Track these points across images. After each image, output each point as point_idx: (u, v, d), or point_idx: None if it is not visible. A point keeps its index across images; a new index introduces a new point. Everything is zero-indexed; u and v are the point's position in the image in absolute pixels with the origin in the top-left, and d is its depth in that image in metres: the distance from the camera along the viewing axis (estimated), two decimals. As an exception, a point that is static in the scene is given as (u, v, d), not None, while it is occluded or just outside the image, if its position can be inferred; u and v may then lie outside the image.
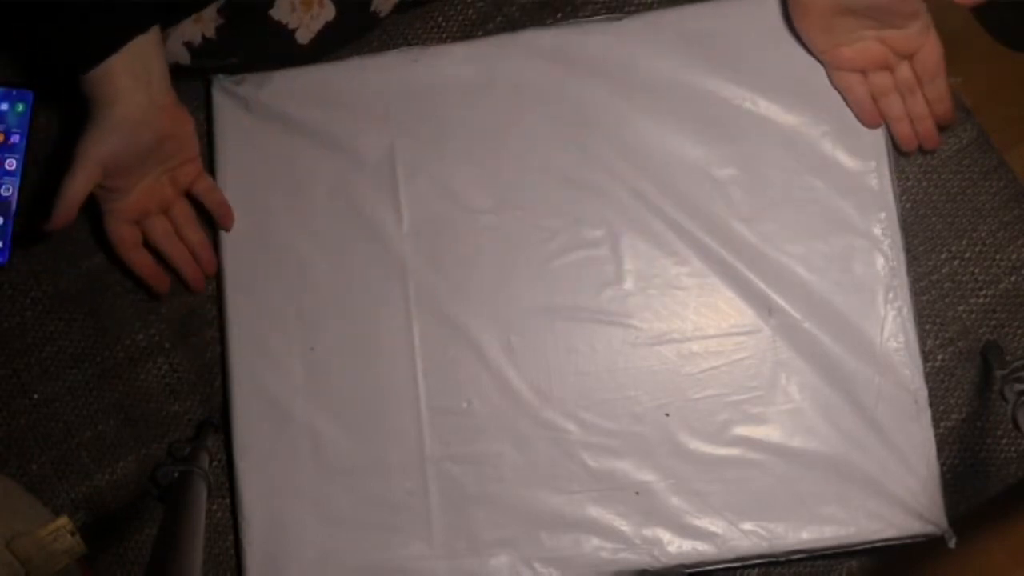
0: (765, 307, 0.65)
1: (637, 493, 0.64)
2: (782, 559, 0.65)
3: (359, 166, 0.68)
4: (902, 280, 0.65)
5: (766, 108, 0.67)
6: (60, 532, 0.56)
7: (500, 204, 0.67)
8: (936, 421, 0.66)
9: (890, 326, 0.65)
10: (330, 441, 0.65)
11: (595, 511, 0.64)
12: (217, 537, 0.67)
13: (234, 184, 0.68)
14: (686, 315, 0.66)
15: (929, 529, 0.63)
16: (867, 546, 0.64)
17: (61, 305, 0.69)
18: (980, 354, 0.68)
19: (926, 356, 0.67)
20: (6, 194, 0.68)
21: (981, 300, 0.69)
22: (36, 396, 0.68)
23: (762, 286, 0.65)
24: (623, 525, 0.64)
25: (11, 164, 0.69)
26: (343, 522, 0.65)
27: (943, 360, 0.68)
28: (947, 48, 0.65)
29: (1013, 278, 0.69)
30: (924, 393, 0.64)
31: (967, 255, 0.69)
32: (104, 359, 0.69)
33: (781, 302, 0.65)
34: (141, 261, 0.66)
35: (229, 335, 0.67)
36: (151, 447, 0.68)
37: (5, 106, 0.69)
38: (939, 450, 0.65)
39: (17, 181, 0.69)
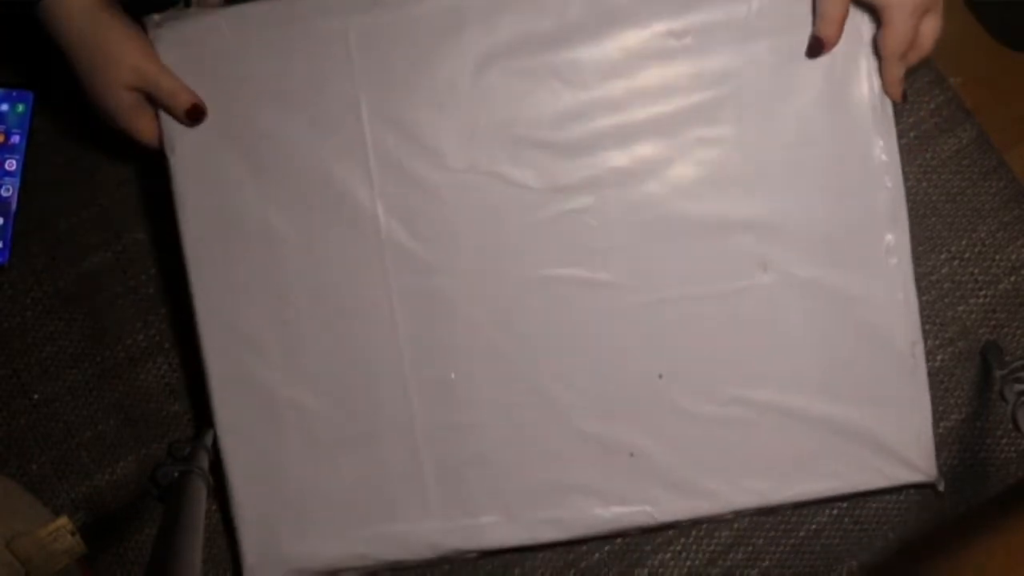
0: (760, 263, 0.64)
1: (631, 455, 0.64)
2: (775, 508, 0.66)
3: (323, 125, 0.64)
4: (902, 234, 0.64)
5: (755, 49, 0.64)
6: (60, 532, 0.56)
7: (476, 162, 0.64)
8: (936, 421, 0.66)
9: (887, 279, 0.64)
10: (314, 415, 0.64)
11: (589, 473, 0.64)
12: (217, 537, 0.67)
13: (183, 148, 0.63)
14: (679, 273, 0.64)
15: (919, 478, 0.64)
16: (859, 495, 0.65)
17: (61, 305, 0.69)
18: (980, 354, 0.68)
19: (926, 356, 0.67)
20: (6, 194, 0.68)
21: (981, 300, 0.69)
22: (36, 396, 0.68)
23: (757, 241, 0.64)
24: (618, 486, 0.64)
25: (11, 164, 0.69)
26: (335, 494, 0.64)
27: (943, 360, 0.68)
28: (947, 48, 0.65)
29: (1013, 278, 0.69)
30: (920, 346, 0.64)
31: (967, 255, 0.69)
32: (104, 359, 0.69)
33: (776, 257, 0.64)
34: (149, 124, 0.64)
35: (197, 314, 0.64)
36: (151, 447, 0.68)
37: (5, 106, 0.69)
38: (939, 449, 0.65)
39: (17, 181, 0.69)
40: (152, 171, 0.66)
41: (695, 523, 0.66)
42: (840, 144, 0.64)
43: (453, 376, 0.64)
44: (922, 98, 0.70)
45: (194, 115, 0.62)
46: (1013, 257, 0.69)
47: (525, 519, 0.64)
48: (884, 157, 0.63)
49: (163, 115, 0.63)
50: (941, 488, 0.65)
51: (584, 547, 0.68)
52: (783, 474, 0.64)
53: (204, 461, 0.59)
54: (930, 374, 0.66)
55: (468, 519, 0.64)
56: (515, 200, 0.64)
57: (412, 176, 0.64)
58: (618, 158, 0.64)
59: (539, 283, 0.64)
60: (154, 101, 0.62)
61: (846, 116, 0.63)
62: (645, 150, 0.64)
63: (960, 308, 0.69)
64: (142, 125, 0.63)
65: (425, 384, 0.64)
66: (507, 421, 0.64)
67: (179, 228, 0.64)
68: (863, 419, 0.64)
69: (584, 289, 0.64)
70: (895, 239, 0.64)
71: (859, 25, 0.63)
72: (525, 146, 0.64)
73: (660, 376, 0.64)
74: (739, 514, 0.66)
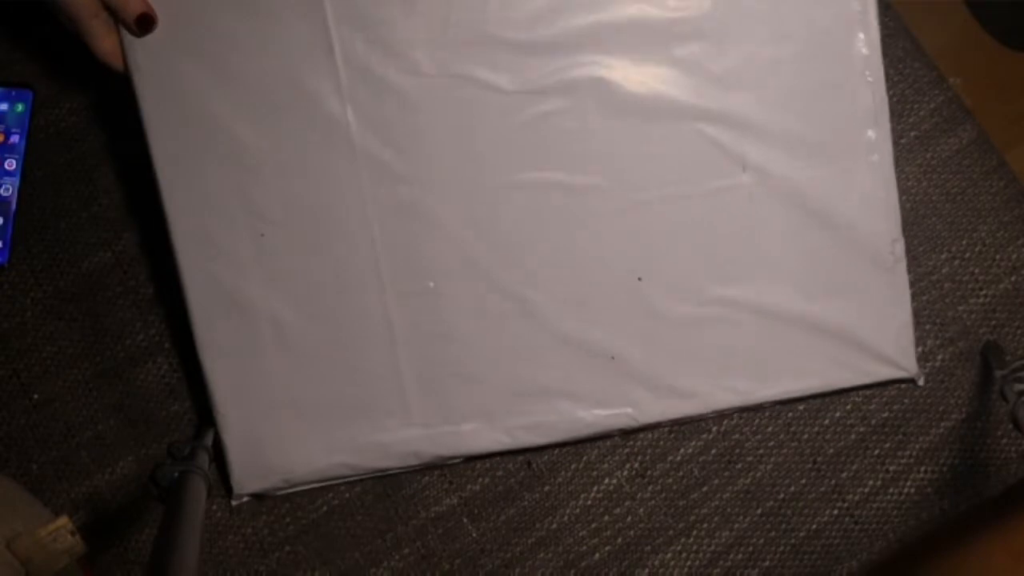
0: (740, 162, 0.63)
1: (612, 358, 0.64)
2: (755, 408, 0.67)
3: (288, 32, 0.62)
4: (883, 130, 0.64)
5: None
6: (60, 532, 0.56)
7: (448, 66, 0.63)
8: (936, 421, 0.66)
9: (868, 177, 0.64)
10: (294, 328, 0.64)
11: (570, 378, 0.64)
12: (217, 537, 0.67)
13: (146, 59, 0.61)
14: (657, 174, 0.64)
15: (899, 374, 0.65)
16: (840, 391, 0.66)
17: (61, 305, 0.69)
18: (980, 354, 0.68)
19: (926, 356, 0.67)
20: (6, 194, 0.68)
21: (981, 300, 0.69)
22: (36, 396, 0.68)
23: (736, 139, 0.63)
24: (600, 389, 0.64)
25: (11, 164, 0.69)
26: (317, 406, 0.64)
27: (943, 360, 0.68)
28: (947, 48, 0.65)
29: (1013, 278, 0.69)
30: (901, 244, 0.64)
31: (967, 255, 0.69)
32: (104, 359, 0.69)
33: (755, 155, 0.63)
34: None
35: (172, 231, 0.63)
36: (151, 447, 0.68)
37: (5, 106, 0.69)
38: (939, 449, 0.65)
39: (17, 181, 0.69)
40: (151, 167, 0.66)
41: (677, 424, 0.67)
42: (821, 38, 0.63)
43: (432, 285, 0.64)
44: (922, 98, 0.70)
45: (143, 24, 0.60)
46: (1013, 257, 0.69)
47: (507, 424, 0.64)
48: (865, 51, 0.63)
49: (125, 34, 0.61)
50: (921, 382, 0.66)
51: (584, 547, 0.68)
52: (763, 373, 0.65)
53: (204, 461, 0.59)
54: (930, 374, 0.67)
55: (450, 426, 0.64)
56: (489, 104, 0.63)
57: (383, 83, 0.63)
58: (594, 57, 0.63)
59: (516, 188, 0.63)
60: (108, 8, 0.60)
61: (827, 9, 0.63)
62: (621, 48, 0.63)
63: (960, 308, 0.69)
64: (106, 46, 0.61)
65: (403, 294, 0.64)
66: (487, 328, 0.64)
67: (149, 147, 0.63)
68: (843, 317, 0.64)
69: (562, 193, 0.64)
70: (876, 135, 0.64)
71: None
72: (498, 47, 0.63)
73: (639, 279, 0.64)
74: (720, 413, 0.66)
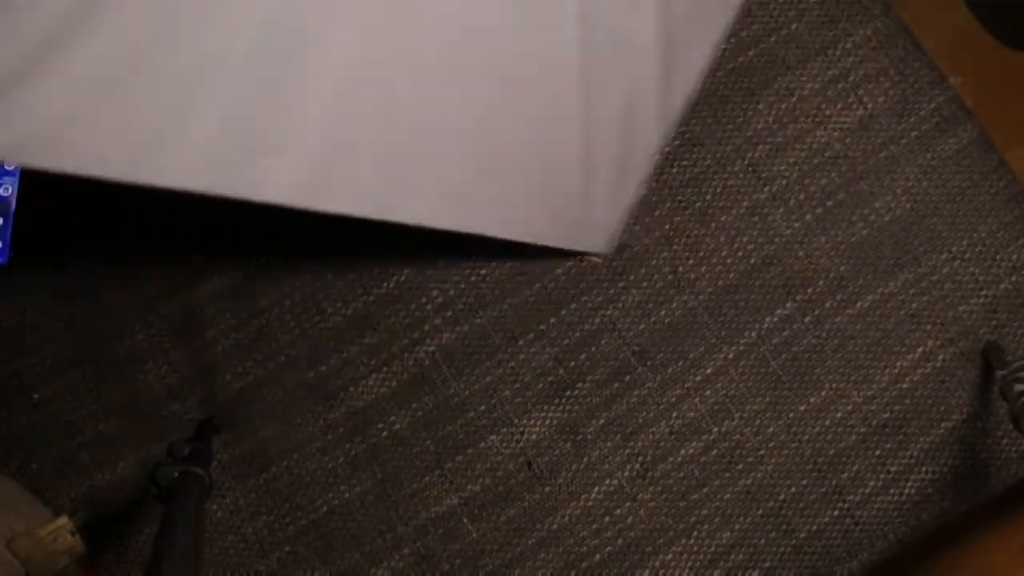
0: None
1: None
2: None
3: None
4: None
5: None
6: (60, 532, 0.56)
7: None
8: (937, 422, 0.66)
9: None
10: None
11: None
12: (217, 537, 0.67)
13: None
14: None
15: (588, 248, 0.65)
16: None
17: (61, 305, 0.69)
18: (980, 354, 0.68)
19: (927, 356, 0.67)
20: (5, 194, 0.68)
21: (981, 300, 0.69)
22: (36, 396, 0.68)
23: None
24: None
25: (10, 163, 0.69)
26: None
27: (943, 360, 0.68)
28: (947, 48, 0.65)
29: (1013, 278, 0.69)
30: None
31: (967, 255, 0.69)
32: (104, 359, 0.69)
33: None
34: None
35: None
36: (151, 447, 0.68)
37: (5, 106, 0.69)
38: (939, 450, 0.65)
39: (17, 181, 0.69)
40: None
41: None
42: None
43: None
44: (922, 98, 0.70)
45: None
46: (1014, 257, 0.69)
47: None
48: None
49: None
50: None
51: (585, 548, 0.68)
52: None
53: (204, 461, 0.59)
54: (931, 374, 0.67)
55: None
56: None
57: None
58: None
59: None
60: None
61: None
62: None
63: (961, 308, 0.69)
64: None
65: None
66: None
67: None
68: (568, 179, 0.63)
69: None
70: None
71: None
72: None
73: None
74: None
